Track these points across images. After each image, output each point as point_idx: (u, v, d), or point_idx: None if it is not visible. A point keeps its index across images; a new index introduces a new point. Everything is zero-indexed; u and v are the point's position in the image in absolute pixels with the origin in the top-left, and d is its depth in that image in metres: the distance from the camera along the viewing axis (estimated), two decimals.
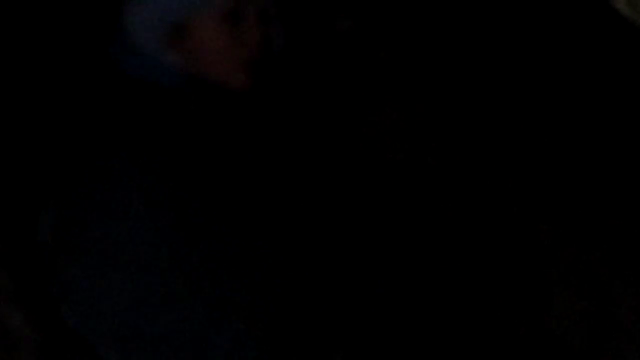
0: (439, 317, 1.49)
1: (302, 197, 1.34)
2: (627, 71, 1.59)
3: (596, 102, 1.65)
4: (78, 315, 1.18)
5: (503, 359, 1.51)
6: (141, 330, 1.16)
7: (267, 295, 1.22)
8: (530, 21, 1.67)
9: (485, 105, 1.73)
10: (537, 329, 1.55)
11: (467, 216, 1.64)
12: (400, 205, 1.60)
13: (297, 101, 1.45)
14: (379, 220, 1.51)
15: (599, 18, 1.61)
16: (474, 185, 1.68)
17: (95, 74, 1.26)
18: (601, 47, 1.64)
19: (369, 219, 1.47)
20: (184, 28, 1.25)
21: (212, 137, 1.27)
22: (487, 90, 1.71)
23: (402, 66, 1.74)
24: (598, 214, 1.60)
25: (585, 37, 1.65)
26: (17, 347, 1.20)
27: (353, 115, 1.61)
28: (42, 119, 1.30)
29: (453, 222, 1.63)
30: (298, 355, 1.23)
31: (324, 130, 1.52)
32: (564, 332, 1.55)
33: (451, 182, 1.67)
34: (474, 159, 1.70)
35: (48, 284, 1.20)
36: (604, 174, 1.63)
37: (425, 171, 1.67)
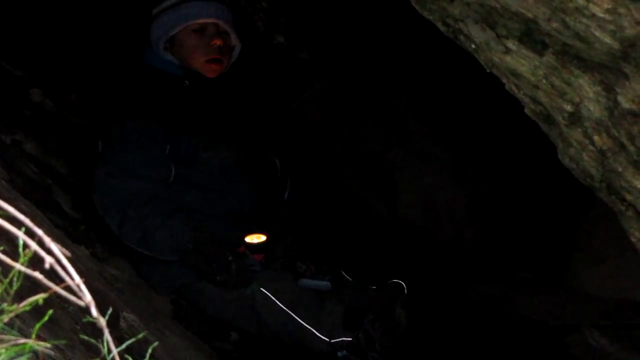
0: None
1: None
2: None
3: None
4: (97, 194, 2.09)
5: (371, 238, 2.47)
6: (125, 214, 2.06)
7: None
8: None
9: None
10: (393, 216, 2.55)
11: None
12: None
13: (243, 84, 2.45)
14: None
15: None
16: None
17: (135, 66, 2.28)
18: None
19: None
20: (174, 39, 2.26)
21: (193, 102, 2.26)
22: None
23: (317, 65, 2.74)
24: None
25: None
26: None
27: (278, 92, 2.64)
28: (101, 90, 2.34)
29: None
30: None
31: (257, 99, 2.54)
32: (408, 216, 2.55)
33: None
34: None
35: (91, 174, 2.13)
36: None
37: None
